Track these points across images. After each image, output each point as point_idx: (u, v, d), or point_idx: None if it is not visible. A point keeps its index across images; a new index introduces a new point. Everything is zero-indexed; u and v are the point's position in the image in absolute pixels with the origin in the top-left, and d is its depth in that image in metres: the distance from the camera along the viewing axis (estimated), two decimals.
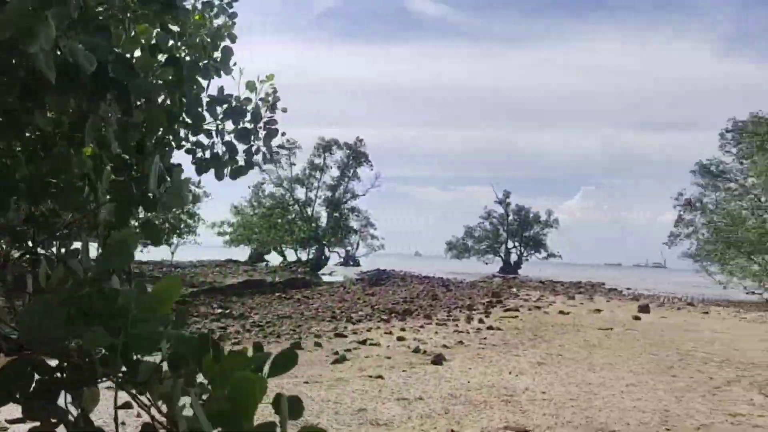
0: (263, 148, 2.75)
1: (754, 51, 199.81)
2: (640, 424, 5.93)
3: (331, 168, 53.28)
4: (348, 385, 7.35)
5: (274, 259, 63.94)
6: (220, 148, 2.67)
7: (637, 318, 17.36)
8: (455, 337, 11.91)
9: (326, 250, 53.62)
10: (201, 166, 2.66)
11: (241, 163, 2.72)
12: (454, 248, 72.49)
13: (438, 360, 9.11)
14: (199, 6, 2.69)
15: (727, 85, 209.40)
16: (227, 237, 54.88)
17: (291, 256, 60.30)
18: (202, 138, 2.63)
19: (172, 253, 36.28)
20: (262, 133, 2.74)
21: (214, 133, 2.64)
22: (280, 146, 50.86)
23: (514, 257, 71.57)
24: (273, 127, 2.76)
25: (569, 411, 6.37)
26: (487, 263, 71.01)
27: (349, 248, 59.09)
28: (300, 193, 53.55)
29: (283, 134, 2.85)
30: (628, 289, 38.59)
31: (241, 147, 2.68)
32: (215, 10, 2.77)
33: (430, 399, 6.72)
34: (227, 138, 2.66)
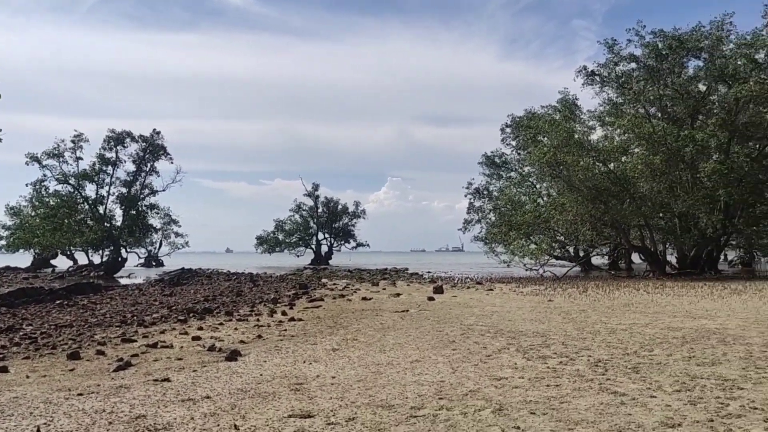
0: None
1: (529, 54, 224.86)
2: (418, 396, 6.32)
3: (126, 162, 49.51)
4: (129, 392, 6.85)
5: (63, 263, 57.90)
6: None
7: (431, 299, 18.60)
8: (255, 332, 11.74)
9: (123, 251, 49.78)
10: None
11: None
12: (265, 242, 71.74)
13: (232, 356, 8.89)
14: None
15: (507, 84, 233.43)
16: (2, 242, 48.48)
17: (83, 259, 55.06)
18: None
19: None
20: None
21: None
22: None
23: (325, 248, 72.81)
24: None
25: (355, 392, 6.58)
26: (299, 256, 71.40)
27: (150, 248, 55.52)
28: (90, 190, 48.99)
29: None
30: (429, 272, 41.33)
31: None
32: None
33: (218, 396, 6.52)
34: None
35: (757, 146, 32.70)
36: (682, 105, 33.71)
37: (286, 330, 12.00)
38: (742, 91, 29.60)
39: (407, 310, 15.30)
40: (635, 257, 43.24)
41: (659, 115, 34.68)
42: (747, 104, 31.15)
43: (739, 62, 31.06)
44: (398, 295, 20.86)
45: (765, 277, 31.53)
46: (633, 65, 34.38)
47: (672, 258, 36.77)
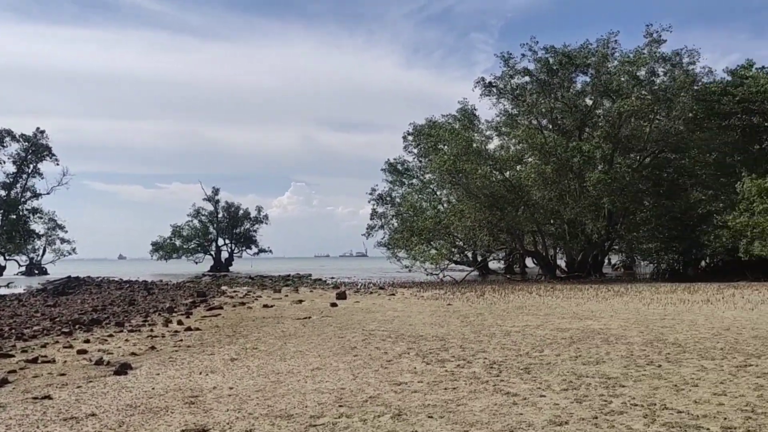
0: None
1: (431, 63, 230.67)
2: (318, 404, 6.26)
3: (5, 163, 45.87)
4: (5, 411, 6.31)
5: None
6: None
7: (334, 305, 18.55)
8: (148, 343, 11.18)
9: (1, 258, 46.03)
10: None
11: None
12: (161, 249, 68.80)
13: (122, 369, 8.41)
14: None
15: (410, 92, 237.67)
16: None
17: None
18: None
19: None
20: None
21: None
22: None
23: (225, 255, 70.86)
24: None
25: (253, 403, 6.42)
26: (197, 263, 69.03)
27: (33, 255, 51.64)
28: None
29: None
30: (332, 278, 41.24)
31: None
32: None
33: (104, 414, 6.14)
34: None
35: (638, 157, 35.28)
36: (570, 118, 35.84)
37: (182, 340, 11.54)
38: (625, 106, 31.90)
39: (309, 317, 15.17)
40: (529, 261, 45.33)
41: (550, 126, 36.66)
42: (629, 118, 33.61)
43: (622, 78, 33.44)
44: (301, 301, 20.65)
45: (644, 279, 34.02)
46: (527, 79, 36.17)
47: (562, 262, 38.89)
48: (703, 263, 34.48)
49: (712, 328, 11.64)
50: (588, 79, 35.70)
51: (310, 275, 45.37)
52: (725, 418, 5.48)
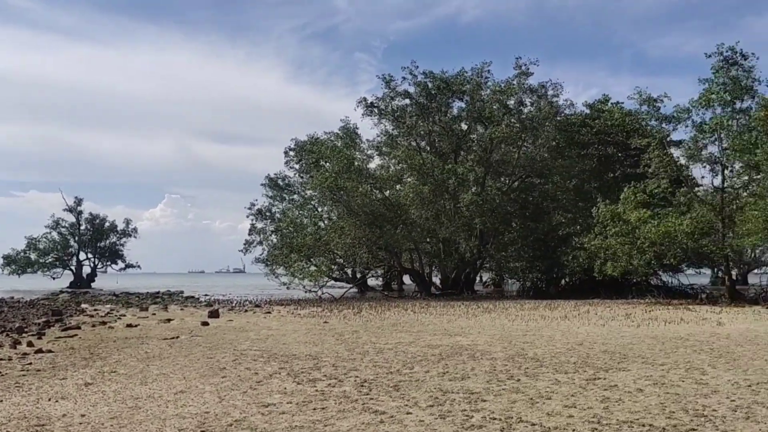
0: None
1: (316, 80, 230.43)
2: (178, 430, 5.96)
3: None
4: None
5: None
6: None
7: (205, 324, 17.85)
8: None
9: None
10: None
11: None
12: (13, 263, 62.92)
13: None
14: None
15: (294, 107, 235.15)
16: None
17: None
18: None
19: None
20: None
21: None
22: None
23: (87, 270, 66.03)
24: None
25: (106, 431, 5.99)
26: (55, 278, 63.71)
27: None
28: None
29: None
30: (206, 295, 39.74)
31: None
32: None
33: None
34: None
35: (507, 181, 37.37)
36: (447, 141, 37.37)
37: (31, 363, 10.56)
38: (496, 133, 33.79)
39: (178, 337, 14.47)
40: (406, 279, 46.34)
41: (428, 148, 37.99)
42: (499, 144, 35.59)
43: (494, 106, 35.42)
44: (169, 320, 19.67)
45: (511, 297, 35.91)
46: (407, 101, 37.31)
47: (437, 279, 40.15)
48: (563, 282, 37.00)
49: (568, 343, 12.50)
50: (463, 105, 37.45)
51: (182, 292, 43.44)
52: (573, 430, 5.87)
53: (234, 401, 7.25)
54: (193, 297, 37.31)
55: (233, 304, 28.95)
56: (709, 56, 27.01)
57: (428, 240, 36.97)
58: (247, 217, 44.12)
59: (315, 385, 8.18)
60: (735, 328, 15.68)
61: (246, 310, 24.51)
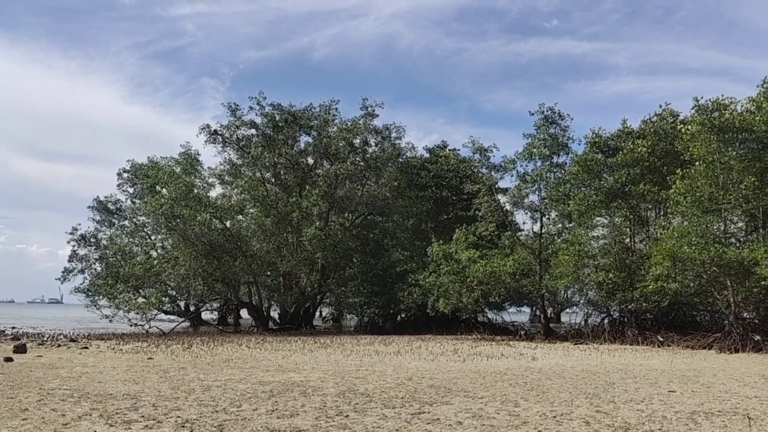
0: None
1: (157, 101, 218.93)
2: None
3: None
4: None
5: None
6: None
7: (9, 360, 15.91)
8: None
9: None
10: None
11: None
12: None
13: None
14: None
15: (131, 127, 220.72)
16: None
17: None
18: None
19: None
20: None
21: None
22: None
23: None
24: None
25: None
26: None
27: None
28: None
29: None
30: (14, 328, 35.46)
31: None
32: None
33: None
34: None
35: (350, 217, 38.09)
36: (292, 174, 37.38)
37: None
38: (341, 169, 34.46)
39: None
40: (244, 313, 45.01)
41: (273, 180, 37.71)
42: (344, 181, 36.29)
43: (340, 144, 36.16)
44: None
45: (349, 332, 36.29)
46: (253, 131, 36.90)
47: (275, 314, 39.46)
48: (399, 317, 38.17)
49: (398, 378, 12.85)
50: (310, 140, 37.80)
51: None
52: None
53: None
54: None
55: (45, 338, 26.13)
56: (533, 114, 30.06)
57: (268, 273, 36.35)
58: (68, 242, 40.49)
59: (129, 427, 7.57)
60: (546, 363, 17.15)
61: (59, 345, 22.21)
